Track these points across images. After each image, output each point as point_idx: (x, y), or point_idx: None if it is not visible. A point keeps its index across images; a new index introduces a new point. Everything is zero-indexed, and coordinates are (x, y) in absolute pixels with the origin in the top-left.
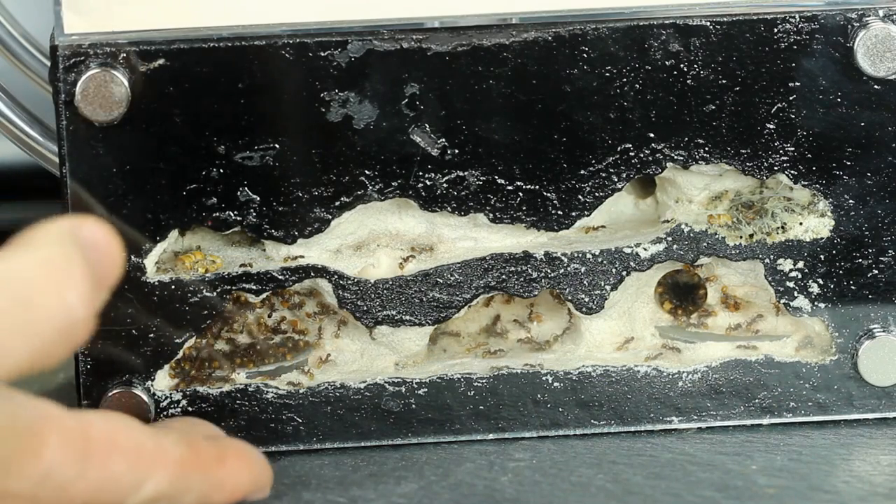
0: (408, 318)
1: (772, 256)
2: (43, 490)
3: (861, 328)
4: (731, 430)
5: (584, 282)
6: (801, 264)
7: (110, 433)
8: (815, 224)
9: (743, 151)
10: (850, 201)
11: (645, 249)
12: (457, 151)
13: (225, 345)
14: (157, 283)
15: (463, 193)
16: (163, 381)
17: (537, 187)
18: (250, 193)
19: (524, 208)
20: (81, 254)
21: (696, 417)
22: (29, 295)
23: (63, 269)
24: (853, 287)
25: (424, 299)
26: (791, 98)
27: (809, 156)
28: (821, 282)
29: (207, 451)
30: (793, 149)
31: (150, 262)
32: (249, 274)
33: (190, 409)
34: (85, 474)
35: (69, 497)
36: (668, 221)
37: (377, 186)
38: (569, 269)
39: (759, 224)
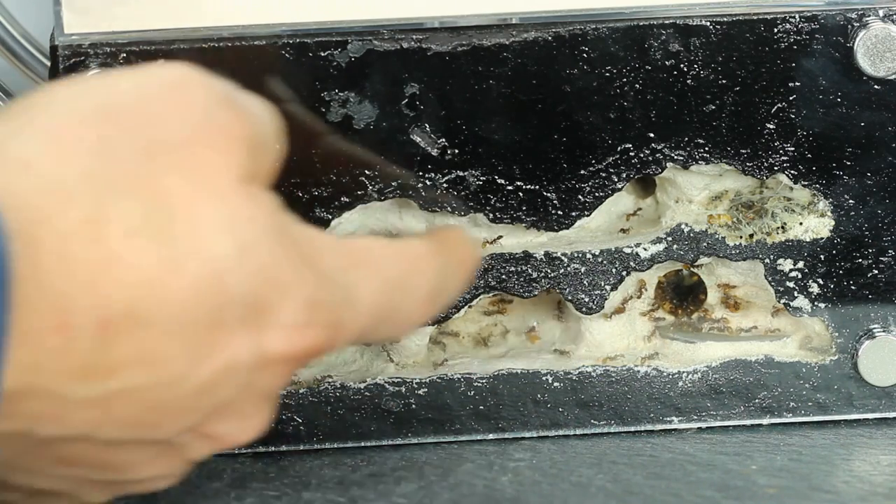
0: None
1: (772, 256)
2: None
3: (861, 328)
4: (731, 430)
5: (584, 282)
6: (801, 264)
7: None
8: (815, 224)
9: (743, 151)
10: (850, 201)
11: (645, 249)
12: (457, 151)
13: None
14: None
15: (463, 193)
16: None
17: (537, 187)
18: None
19: (524, 208)
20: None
21: (696, 417)
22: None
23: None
24: (853, 287)
25: None
26: (791, 98)
27: (809, 156)
28: (821, 282)
29: (439, 239)
30: (793, 149)
31: None
32: None
33: None
34: (369, 284)
35: (382, 300)
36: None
37: (377, 186)
38: (569, 269)
39: (759, 224)
